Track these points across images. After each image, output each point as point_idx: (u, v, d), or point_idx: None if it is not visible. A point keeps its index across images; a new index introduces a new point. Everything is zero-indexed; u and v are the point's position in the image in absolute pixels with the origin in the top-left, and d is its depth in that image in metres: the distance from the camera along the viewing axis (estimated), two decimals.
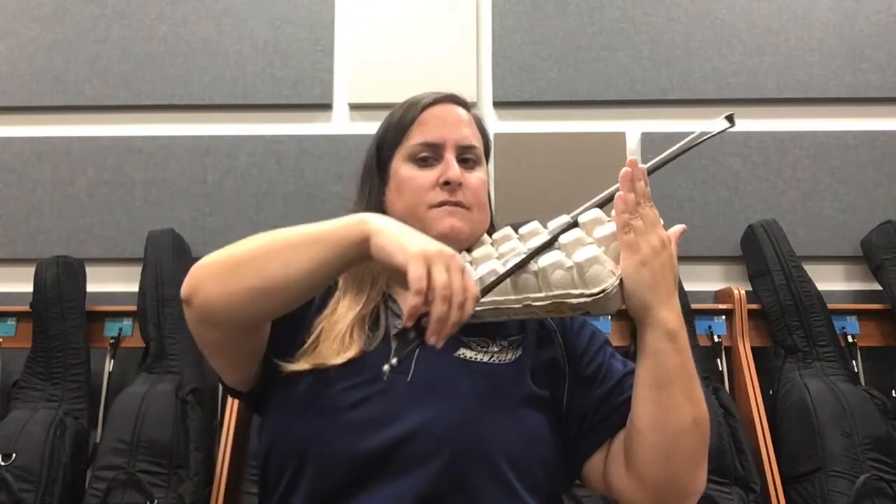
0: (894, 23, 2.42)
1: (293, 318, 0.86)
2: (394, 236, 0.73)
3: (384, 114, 1.02)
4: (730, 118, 0.86)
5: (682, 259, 2.36)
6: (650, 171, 0.83)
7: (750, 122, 2.38)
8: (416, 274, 0.68)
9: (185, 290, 0.80)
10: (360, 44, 2.44)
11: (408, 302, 0.68)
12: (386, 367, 0.69)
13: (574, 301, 0.77)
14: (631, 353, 2.03)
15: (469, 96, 1.03)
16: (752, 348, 2.11)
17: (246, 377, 0.89)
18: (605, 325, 2.09)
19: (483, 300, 0.82)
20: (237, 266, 0.79)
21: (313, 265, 0.76)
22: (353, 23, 2.46)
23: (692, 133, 0.86)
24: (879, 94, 2.39)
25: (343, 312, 0.89)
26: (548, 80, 2.41)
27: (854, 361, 2.12)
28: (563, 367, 0.90)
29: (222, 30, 2.45)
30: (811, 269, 2.18)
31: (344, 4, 2.47)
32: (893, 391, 2.09)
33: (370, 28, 2.44)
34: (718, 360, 2.11)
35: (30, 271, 2.13)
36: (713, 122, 0.87)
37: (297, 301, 0.82)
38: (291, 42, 2.44)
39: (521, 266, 0.80)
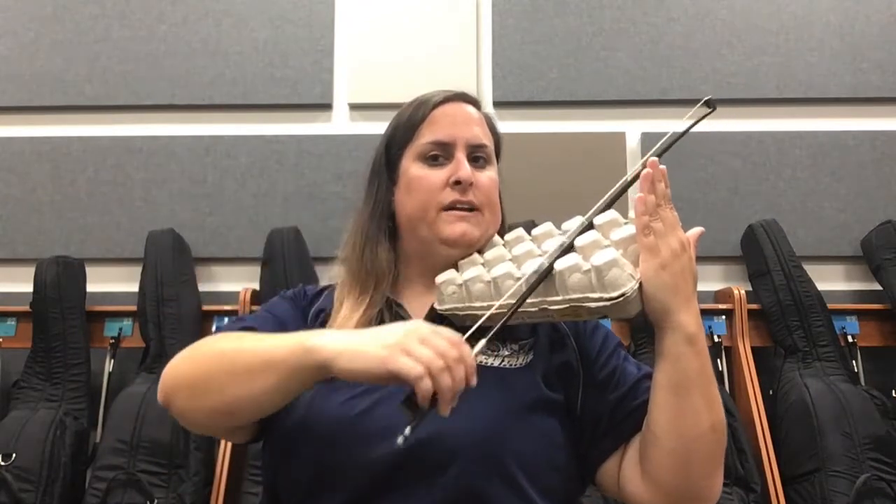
0: (894, 23, 2.42)
1: None
2: (354, 352, 0.69)
3: (384, 114, 1.02)
4: (708, 103, 0.84)
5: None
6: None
7: (750, 122, 2.38)
8: (406, 368, 0.65)
9: (160, 395, 0.83)
10: (360, 44, 2.44)
11: (420, 391, 0.65)
12: (400, 440, 0.66)
13: (592, 305, 0.75)
14: (631, 353, 2.03)
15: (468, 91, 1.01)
16: (752, 348, 2.11)
17: (250, 434, 0.88)
18: (605, 325, 2.09)
19: (497, 303, 0.81)
20: (201, 384, 0.79)
21: (271, 389, 0.74)
22: (353, 23, 2.46)
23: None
24: (879, 94, 2.39)
25: (346, 316, 0.88)
26: (548, 80, 2.41)
27: (854, 361, 2.12)
28: (577, 370, 0.89)
29: (222, 30, 2.45)
30: (811, 269, 2.18)
31: (344, 4, 2.47)
32: (893, 391, 2.09)
33: (370, 28, 2.44)
34: (718, 360, 2.11)
35: (30, 271, 2.13)
36: (694, 111, 0.86)
37: (265, 415, 0.81)
38: (291, 42, 2.44)
39: (544, 278, 0.78)
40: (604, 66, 2.41)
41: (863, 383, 2.10)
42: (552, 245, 0.83)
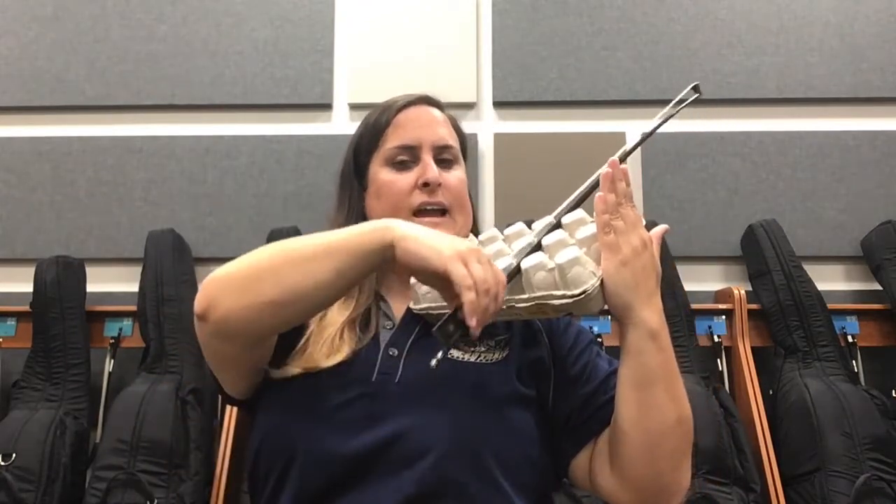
0: (894, 23, 2.42)
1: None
2: (423, 240, 0.74)
3: None
4: (696, 88, 0.86)
5: (682, 259, 2.36)
6: (626, 156, 0.84)
7: (750, 122, 2.38)
8: (461, 273, 0.71)
9: (199, 305, 0.78)
10: (360, 44, 2.44)
11: (465, 300, 0.70)
12: (434, 362, 0.72)
13: (556, 302, 0.77)
14: None
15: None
16: (752, 348, 2.11)
17: (249, 386, 0.90)
18: (605, 326, 2.09)
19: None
20: (255, 279, 0.78)
21: (333, 275, 0.76)
22: (353, 23, 2.46)
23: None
24: (879, 94, 2.39)
25: (334, 315, 0.89)
26: (548, 80, 2.41)
27: (854, 361, 2.12)
28: (549, 366, 0.91)
29: (222, 30, 2.45)
30: (811, 269, 2.18)
31: (344, 4, 2.47)
32: (893, 391, 2.09)
33: (370, 28, 2.44)
34: (718, 360, 2.11)
35: (30, 271, 2.13)
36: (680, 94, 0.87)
37: (318, 311, 0.83)
38: (291, 42, 2.44)
39: (513, 277, 0.80)
40: (604, 66, 2.41)
41: (863, 383, 2.10)
42: (522, 244, 0.84)
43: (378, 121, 0.97)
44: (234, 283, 0.79)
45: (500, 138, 2.31)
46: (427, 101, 0.99)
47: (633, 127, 2.37)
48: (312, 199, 2.34)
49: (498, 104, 2.41)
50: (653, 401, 0.79)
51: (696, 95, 0.84)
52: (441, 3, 2.44)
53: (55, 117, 2.42)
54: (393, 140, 0.95)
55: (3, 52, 2.44)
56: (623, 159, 0.83)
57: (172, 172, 2.37)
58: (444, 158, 0.96)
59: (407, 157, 0.94)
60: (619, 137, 2.36)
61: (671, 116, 0.86)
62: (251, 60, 2.43)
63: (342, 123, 2.42)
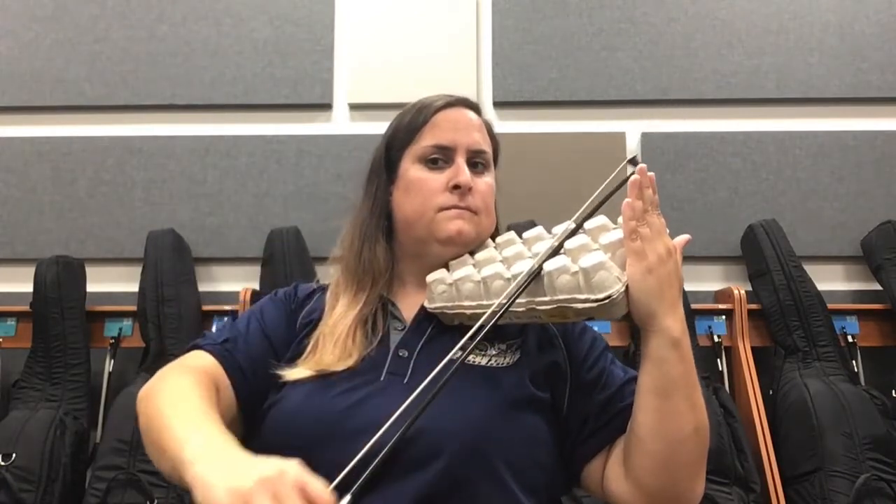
0: (894, 23, 2.42)
1: (270, 355, 0.88)
2: (202, 472, 0.64)
3: (384, 114, 1.03)
4: (633, 161, 0.86)
5: (683, 259, 2.34)
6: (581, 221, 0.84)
7: (750, 122, 2.38)
8: None
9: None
10: (360, 44, 2.44)
11: None
12: None
13: (579, 306, 0.76)
14: (631, 353, 2.03)
15: (469, 96, 1.03)
16: (752, 348, 2.11)
17: (239, 428, 0.88)
18: (605, 326, 2.09)
19: (485, 303, 0.82)
20: (143, 434, 0.80)
21: (172, 473, 0.71)
22: (353, 23, 2.45)
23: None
24: (879, 94, 2.39)
25: (342, 314, 0.89)
26: (548, 80, 2.41)
27: (854, 361, 2.12)
28: (565, 370, 0.90)
29: (222, 30, 2.45)
30: (811, 269, 2.17)
31: (344, 4, 2.47)
32: (893, 391, 2.09)
33: (370, 28, 2.44)
34: (718, 360, 2.11)
35: (30, 271, 2.13)
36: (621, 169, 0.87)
37: None
38: (291, 42, 2.44)
39: (534, 278, 0.79)
40: (604, 66, 2.41)
41: (863, 383, 2.09)
42: (542, 248, 0.84)
43: (415, 118, 0.97)
44: (140, 424, 0.82)
45: (499, 138, 2.30)
46: (466, 103, 1.00)
47: (632, 127, 2.38)
48: (312, 199, 2.34)
49: (498, 104, 2.41)
50: (672, 409, 0.78)
51: (633, 169, 0.83)
52: (441, 3, 2.44)
53: (55, 117, 2.42)
54: (428, 138, 0.95)
55: (3, 52, 2.44)
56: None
57: (172, 172, 2.37)
58: (476, 163, 0.96)
59: (440, 157, 0.94)
60: (619, 137, 2.36)
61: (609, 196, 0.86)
62: (251, 60, 2.43)
63: (342, 123, 2.42)
